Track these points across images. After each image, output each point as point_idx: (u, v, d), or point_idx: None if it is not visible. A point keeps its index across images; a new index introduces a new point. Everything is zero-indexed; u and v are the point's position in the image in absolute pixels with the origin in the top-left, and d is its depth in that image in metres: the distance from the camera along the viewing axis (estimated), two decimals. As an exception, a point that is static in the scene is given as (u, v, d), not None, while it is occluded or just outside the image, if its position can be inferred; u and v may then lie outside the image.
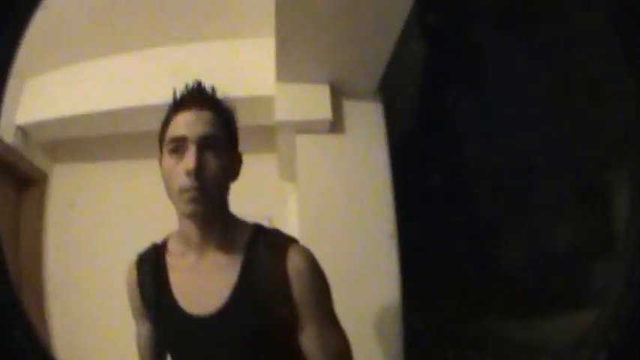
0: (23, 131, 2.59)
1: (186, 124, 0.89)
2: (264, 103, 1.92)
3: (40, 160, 2.79)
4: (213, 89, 0.96)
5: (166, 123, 0.93)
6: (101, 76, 2.32)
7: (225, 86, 0.98)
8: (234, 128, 0.97)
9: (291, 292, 0.87)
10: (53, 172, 2.90)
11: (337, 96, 1.91)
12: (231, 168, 0.95)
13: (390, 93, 1.93)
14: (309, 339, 0.89)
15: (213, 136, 0.89)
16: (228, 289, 0.88)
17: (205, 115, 0.91)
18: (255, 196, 1.81)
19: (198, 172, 0.85)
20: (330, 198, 1.86)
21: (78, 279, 2.58)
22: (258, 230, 0.95)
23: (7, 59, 0.25)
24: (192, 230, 0.92)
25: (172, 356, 1.00)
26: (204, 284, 0.90)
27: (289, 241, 0.93)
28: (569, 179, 1.64)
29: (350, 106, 1.94)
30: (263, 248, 0.90)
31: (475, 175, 1.92)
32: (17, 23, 0.28)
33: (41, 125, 2.52)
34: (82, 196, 2.78)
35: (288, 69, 1.80)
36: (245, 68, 2.04)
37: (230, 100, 0.98)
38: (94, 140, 2.72)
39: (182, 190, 0.87)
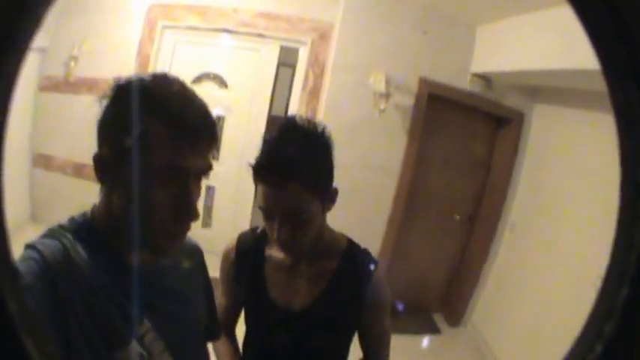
0: (485, 78, 2.79)
1: (268, 198, 0.87)
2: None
3: (513, 101, 3.01)
4: (296, 147, 0.87)
5: (255, 184, 0.90)
6: (555, 28, 2.05)
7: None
8: (326, 175, 0.91)
9: (367, 303, 1.02)
10: (532, 112, 3.01)
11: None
12: (325, 210, 0.96)
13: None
14: (370, 337, 1.08)
15: (297, 210, 0.87)
16: (316, 294, 1.03)
17: (288, 189, 0.84)
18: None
19: (285, 244, 0.90)
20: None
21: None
22: (351, 247, 1.07)
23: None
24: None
25: (249, 333, 1.14)
26: (296, 286, 1.04)
27: (376, 264, 1.05)
28: None
29: None
30: (353, 265, 1.03)
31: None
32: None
33: (501, 75, 2.60)
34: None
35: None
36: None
37: (326, 133, 0.91)
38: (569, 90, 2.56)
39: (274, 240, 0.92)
